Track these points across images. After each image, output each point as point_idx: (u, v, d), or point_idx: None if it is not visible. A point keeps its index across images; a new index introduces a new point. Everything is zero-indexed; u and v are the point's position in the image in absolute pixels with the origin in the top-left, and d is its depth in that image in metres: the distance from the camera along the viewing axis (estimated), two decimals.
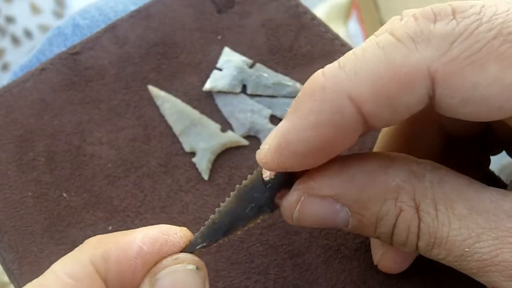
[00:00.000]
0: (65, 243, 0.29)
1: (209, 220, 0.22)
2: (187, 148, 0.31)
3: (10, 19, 1.16)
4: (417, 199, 0.21)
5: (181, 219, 0.29)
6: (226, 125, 0.32)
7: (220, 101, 0.33)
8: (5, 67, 1.13)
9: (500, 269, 0.19)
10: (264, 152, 0.21)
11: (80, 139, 0.32)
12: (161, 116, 0.32)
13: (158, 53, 0.34)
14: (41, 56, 0.43)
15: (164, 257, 0.20)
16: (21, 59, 0.47)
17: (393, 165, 0.21)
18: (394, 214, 0.21)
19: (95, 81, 0.33)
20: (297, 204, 0.22)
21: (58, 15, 1.17)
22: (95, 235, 0.21)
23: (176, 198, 0.30)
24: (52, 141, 0.32)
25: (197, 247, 0.21)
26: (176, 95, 0.33)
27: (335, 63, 0.20)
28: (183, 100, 0.33)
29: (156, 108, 0.33)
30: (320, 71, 0.20)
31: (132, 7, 0.40)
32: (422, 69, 0.19)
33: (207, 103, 0.33)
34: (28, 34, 1.15)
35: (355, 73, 0.19)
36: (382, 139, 0.27)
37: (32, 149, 0.31)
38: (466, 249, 0.20)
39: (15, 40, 1.15)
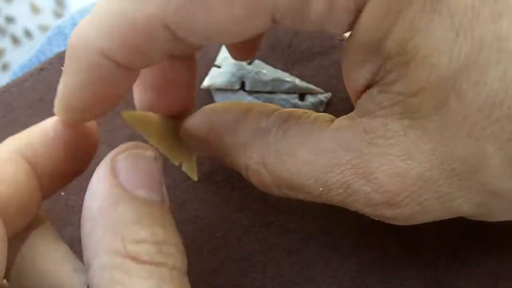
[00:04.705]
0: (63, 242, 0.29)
1: None
2: None
3: (10, 19, 1.16)
4: (262, 155, 0.22)
5: (178, 217, 0.29)
6: None
7: (218, 98, 0.33)
8: (5, 67, 1.14)
9: (355, 199, 0.21)
10: (55, 109, 0.23)
11: None
12: None
13: None
14: (41, 56, 0.43)
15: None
16: (21, 59, 0.47)
17: (245, 121, 0.23)
18: (244, 167, 0.23)
19: None
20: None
21: (58, 15, 1.17)
22: None
23: (173, 195, 0.30)
24: None
25: None
26: None
27: (88, 17, 0.21)
28: None
29: None
30: (76, 28, 0.21)
31: None
32: (156, 21, 0.19)
33: (205, 100, 0.33)
34: (28, 34, 1.16)
35: (101, 28, 0.20)
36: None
37: None
38: (321, 189, 0.21)
39: (15, 40, 1.15)
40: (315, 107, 0.31)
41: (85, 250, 0.20)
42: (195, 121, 0.24)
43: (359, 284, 0.27)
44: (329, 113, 0.23)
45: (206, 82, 0.33)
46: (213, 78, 0.33)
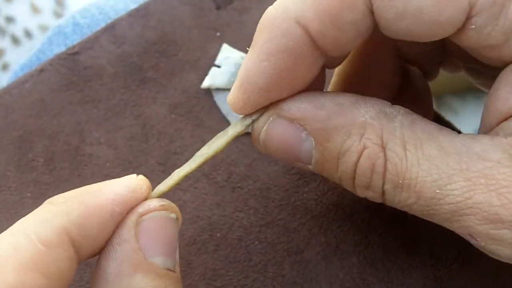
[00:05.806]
0: None
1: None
2: None
3: (10, 19, 1.16)
4: (384, 137, 0.21)
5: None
6: (224, 122, 0.32)
7: (218, 98, 0.33)
8: (5, 67, 1.14)
9: (474, 211, 0.19)
10: (231, 93, 0.22)
11: (79, 139, 0.32)
12: (159, 115, 0.32)
13: (156, 51, 0.34)
14: (41, 55, 0.43)
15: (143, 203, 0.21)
16: (21, 59, 0.47)
17: (365, 103, 0.21)
18: (357, 150, 0.21)
19: (93, 81, 0.33)
20: (265, 124, 0.22)
21: (58, 15, 1.17)
22: None
23: (174, 196, 0.30)
24: (51, 141, 0.32)
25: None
26: (174, 93, 0.33)
27: None
28: (181, 98, 0.33)
29: (154, 106, 0.33)
30: (275, 3, 0.21)
31: (132, 6, 0.40)
32: None
33: (205, 101, 0.33)
34: (28, 34, 1.16)
35: None
36: (338, 72, 0.27)
37: (31, 149, 0.31)
38: (437, 191, 0.20)
39: (15, 40, 1.15)
40: None
41: None
42: (298, 99, 0.22)
43: (360, 284, 0.27)
44: None
45: (206, 82, 0.33)
46: (213, 78, 0.33)
